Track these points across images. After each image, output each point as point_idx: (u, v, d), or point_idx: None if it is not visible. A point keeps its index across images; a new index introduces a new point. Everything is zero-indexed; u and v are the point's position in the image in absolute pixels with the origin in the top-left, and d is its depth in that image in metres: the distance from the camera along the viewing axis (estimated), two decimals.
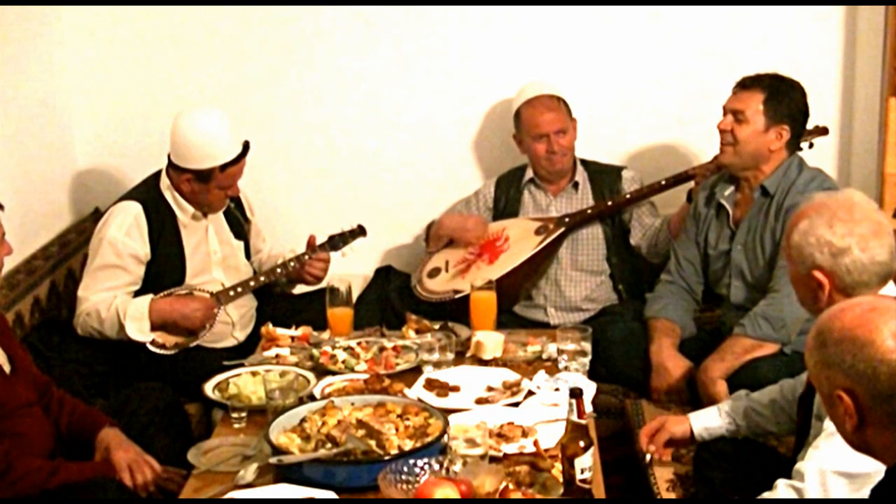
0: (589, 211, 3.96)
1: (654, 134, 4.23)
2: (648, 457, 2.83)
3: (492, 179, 4.16)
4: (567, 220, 3.96)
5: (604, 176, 4.04)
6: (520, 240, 3.96)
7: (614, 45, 4.19)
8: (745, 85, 3.43)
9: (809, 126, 3.82)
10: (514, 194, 4.08)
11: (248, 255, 3.88)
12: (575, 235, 3.99)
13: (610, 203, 3.96)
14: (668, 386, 3.42)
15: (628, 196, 3.96)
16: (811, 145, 3.81)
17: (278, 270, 3.77)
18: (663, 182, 3.95)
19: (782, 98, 3.40)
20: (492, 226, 4.07)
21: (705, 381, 3.31)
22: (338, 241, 3.83)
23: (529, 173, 4.07)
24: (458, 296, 3.86)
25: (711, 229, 3.58)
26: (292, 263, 3.76)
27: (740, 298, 3.49)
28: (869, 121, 4.10)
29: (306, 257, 3.77)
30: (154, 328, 3.54)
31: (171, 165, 3.60)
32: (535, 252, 3.90)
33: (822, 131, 3.85)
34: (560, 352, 3.20)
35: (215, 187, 3.58)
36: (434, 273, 4.05)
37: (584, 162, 4.08)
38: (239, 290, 3.71)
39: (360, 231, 3.87)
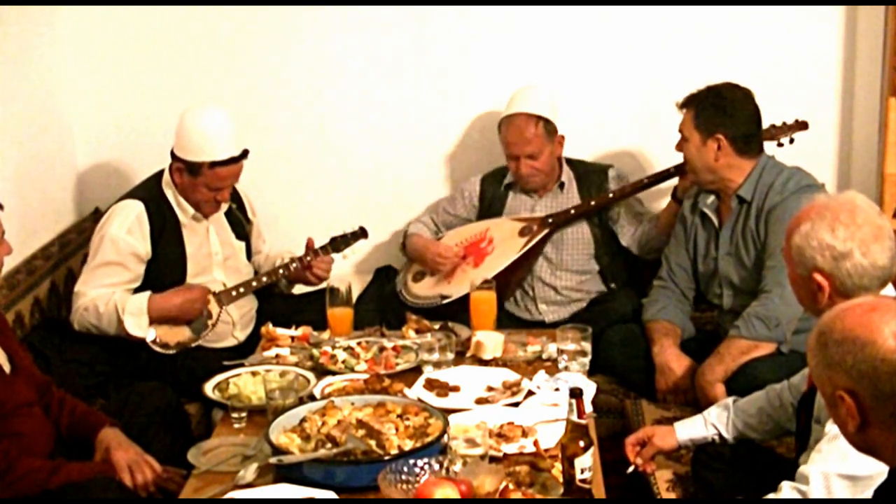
0: (572, 211, 3.92)
1: (646, 133, 4.20)
2: (632, 468, 2.81)
3: (477, 177, 4.12)
4: (551, 220, 3.92)
5: (591, 175, 4.00)
6: (504, 241, 3.92)
7: (608, 45, 4.18)
8: (682, 105, 3.48)
9: (789, 121, 3.80)
10: (499, 193, 4.04)
11: (248, 256, 3.89)
12: (561, 235, 3.95)
13: (593, 202, 3.92)
14: (675, 385, 3.42)
15: (611, 195, 3.92)
16: (791, 140, 3.78)
17: (280, 271, 3.77)
18: (646, 180, 3.93)
19: (708, 108, 3.41)
20: (473, 225, 4.04)
21: (703, 385, 3.30)
22: (339, 243, 3.84)
23: (510, 177, 4.02)
24: (445, 301, 3.85)
25: (699, 237, 3.59)
26: (294, 265, 3.76)
27: (732, 305, 3.50)
28: (869, 121, 4.09)
29: (307, 259, 3.77)
30: (153, 324, 3.54)
31: (172, 155, 3.62)
32: (520, 255, 3.87)
33: (801, 126, 3.81)
34: (560, 352, 3.20)
35: (203, 184, 3.58)
36: (419, 277, 4.03)
37: (570, 161, 4.03)
38: (241, 290, 3.71)
39: (362, 233, 3.88)
